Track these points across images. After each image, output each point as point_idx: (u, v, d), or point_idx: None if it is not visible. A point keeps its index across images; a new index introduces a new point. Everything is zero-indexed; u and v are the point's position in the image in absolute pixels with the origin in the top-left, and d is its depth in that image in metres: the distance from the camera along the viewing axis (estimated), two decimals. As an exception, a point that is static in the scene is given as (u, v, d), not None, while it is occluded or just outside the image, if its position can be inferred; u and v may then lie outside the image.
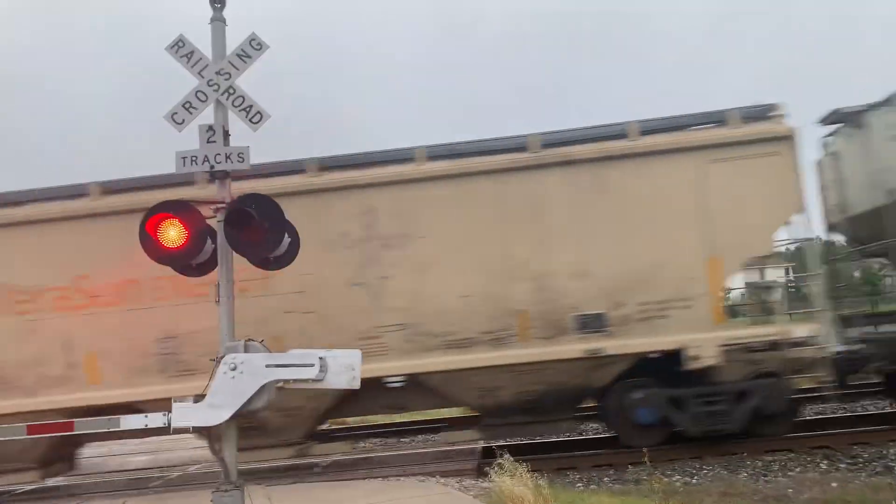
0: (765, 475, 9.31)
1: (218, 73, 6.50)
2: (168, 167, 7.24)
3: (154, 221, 6.18)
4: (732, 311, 11.76)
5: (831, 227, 12.57)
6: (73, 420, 6.06)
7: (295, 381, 6.18)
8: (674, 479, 9.32)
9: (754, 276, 12.28)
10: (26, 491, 11.53)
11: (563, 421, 10.72)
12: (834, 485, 8.48)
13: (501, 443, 11.88)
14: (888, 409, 12.73)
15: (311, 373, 6.00)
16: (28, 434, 6.04)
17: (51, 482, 12.37)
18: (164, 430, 6.07)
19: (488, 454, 10.11)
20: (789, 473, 9.31)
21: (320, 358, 6.05)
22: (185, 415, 5.90)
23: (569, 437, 13.08)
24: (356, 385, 6.15)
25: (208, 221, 6.45)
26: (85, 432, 6.14)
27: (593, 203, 10.18)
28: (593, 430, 13.32)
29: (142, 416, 6.04)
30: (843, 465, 9.57)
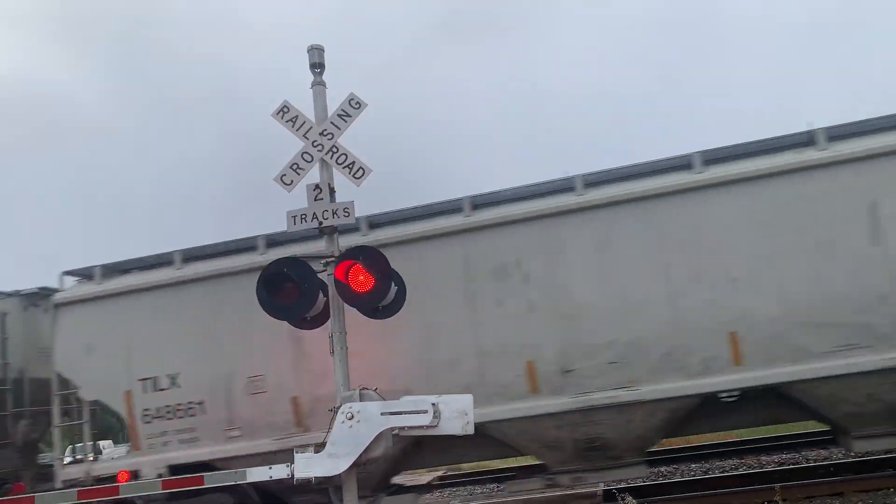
0: (915, 512, 8.57)
1: (321, 133, 6.83)
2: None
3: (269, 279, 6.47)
4: None
5: None
6: (203, 475, 6.32)
7: (410, 427, 6.25)
8: (812, 518, 8.73)
9: None
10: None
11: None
12: None
13: (623, 485, 11.49)
14: None
15: (425, 419, 6.06)
16: (163, 489, 6.35)
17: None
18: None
19: (609, 497, 9.80)
20: (943, 510, 8.53)
21: (433, 404, 6.11)
22: (307, 465, 6.07)
23: (693, 475, 12.53)
24: (470, 430, 6.15)
25: (319, 275, 6.71)
26: (214, 485, 6.38)
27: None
28: (719, 469, 12.68)
29: (266, 467, 6.25)
30: None
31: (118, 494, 6.33)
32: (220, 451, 8.86)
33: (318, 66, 7.03)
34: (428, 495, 14.03)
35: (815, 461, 11.20)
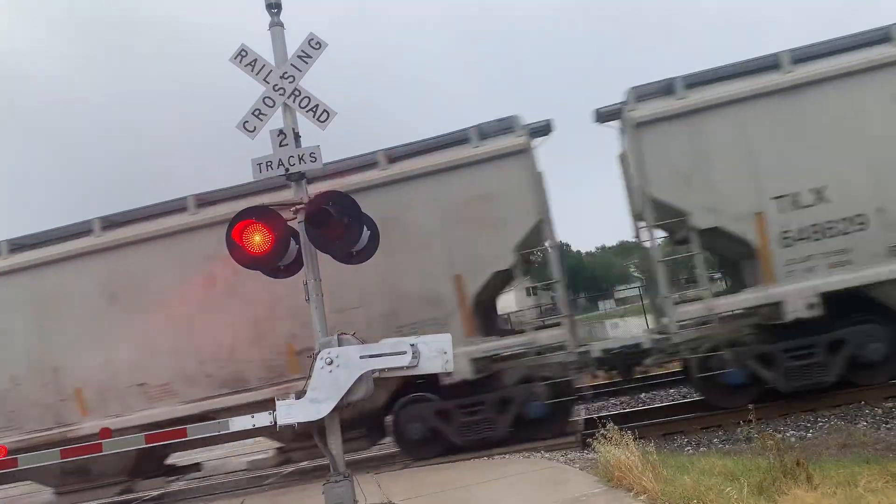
0: (886, 423, 8.86)
1: (282, 76, 6.63)
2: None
3: (239, 229, 6.37)
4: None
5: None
6: (186, 427, 6.31)
7: (390, 369, 6.28)
8: (787, 434, 9.00)
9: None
10: (153, 497, 12.20)
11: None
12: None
13: (604, 413, 11.75)
14: None
15: (405, 360, 6.08)
16: (147, 443, 6.35)
17: (175, 486, 13.05)
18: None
19: (592, 425, 10.01)
20: (913, 419, 8.83)
21: (412, 345, 6.12)
22: (289, 412, 6.08)
23: (672, 400, 12.85)
24: (450, 368, 6.20)
25: (290, 223, 6.60)
26: (198, 437, 6.38)
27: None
28: (698, 393, 13.00)
29: (249, 416, 6.25)
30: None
31: (101, 451, 6.31)
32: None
33: (274, 7, 6.76)
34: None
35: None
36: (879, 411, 9.32)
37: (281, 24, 6.81)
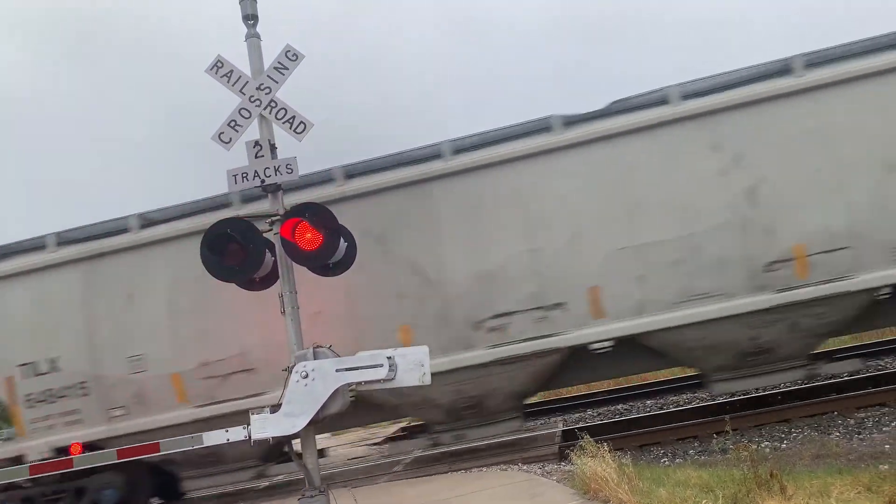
0: (858, 433, 8.95)
1: (258, 88, 6.62)
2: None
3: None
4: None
5: None
6: (159, 441, 6.24)
7: (367, 382, 6.25)
8: (762, 444, 9.06)
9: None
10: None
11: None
12: (934, 437, 8.10)
13: (582, 424, 11.78)
14: None
15: (381, 373, 6.06)
16: (119, 458, 6.26)
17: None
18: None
19: (570, 437, 10.03)
20: (884, 429, 8.92)
21: (388, 357, 6.10)
22: (263, 426, 6.03)
23: (649, 411, 12.91)
24: (427, 381, 6.18)
25: (265, 235, 6.58)
26: (170, 451, 6.30)
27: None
28: (674, 404, 13.08)
29: (223, 431, 6.19)
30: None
31: (72, 467, 6.22)
32: None
33: (250, 18, 6.77)
34: (387, 445, 14.24)
35: (765, 391, 11.60)
36: (852, 422, 9.41)
37: (257, 36, 6.82)
